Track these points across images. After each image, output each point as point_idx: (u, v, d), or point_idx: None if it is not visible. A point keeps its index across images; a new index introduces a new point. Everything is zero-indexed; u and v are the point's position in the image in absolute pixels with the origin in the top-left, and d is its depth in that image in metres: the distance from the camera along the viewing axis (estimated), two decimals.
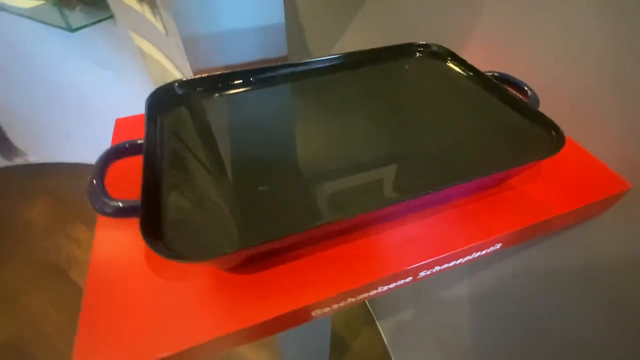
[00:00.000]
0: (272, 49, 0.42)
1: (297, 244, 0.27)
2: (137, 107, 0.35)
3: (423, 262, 0.27)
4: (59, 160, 1.71)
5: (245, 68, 0.37)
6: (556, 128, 0.31)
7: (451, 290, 0.72)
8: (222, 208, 0.26)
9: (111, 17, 0.99)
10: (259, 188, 0.27)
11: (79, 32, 0.93)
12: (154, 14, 0.73)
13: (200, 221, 0.25)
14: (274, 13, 0.39)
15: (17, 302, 1.26)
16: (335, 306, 0.27)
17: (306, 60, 0.40)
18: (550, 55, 0.38)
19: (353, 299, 0.28)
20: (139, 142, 0.29)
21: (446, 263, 0.29)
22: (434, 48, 0.43)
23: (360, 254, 0.27)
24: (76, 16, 0.96)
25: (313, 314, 0.27)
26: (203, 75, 0.35)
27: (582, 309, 0.42)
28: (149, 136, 0.29)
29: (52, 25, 0.92)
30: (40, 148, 1.64)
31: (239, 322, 0.24)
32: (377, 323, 1.21)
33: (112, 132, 0.38)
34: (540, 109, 0.35)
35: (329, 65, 0.41)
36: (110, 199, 0.25)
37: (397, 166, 0.31)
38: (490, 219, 0.30)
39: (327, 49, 0.78)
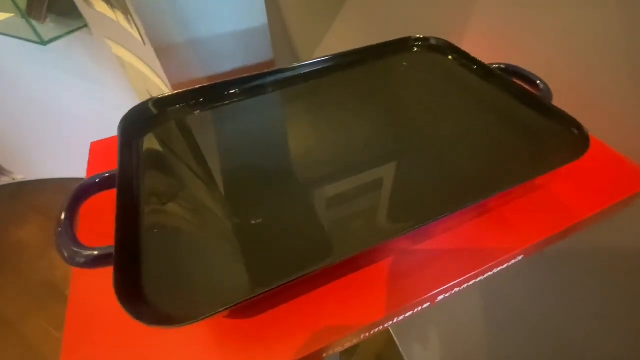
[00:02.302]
0: (257, 54, 0.39)
1: (304, 281, 0.24)
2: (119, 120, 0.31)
3: (449, 285, 0.24)
4: (45, 177, 1.66)
5: (229, 78, 0.34)
6: (578, 126, 0.28)
7: None
8: (210, 248, 0.23)
9: (85, 26, 0.94)
10: (252, 222, 0.23)
11: (53, 43, 0.88)
12: (129, 22, 0.69)
13: (187, 267, 0.22)
14: (255, 14, 0.35)
15: (15, 325, 1.23)
16: (347, 344, 0.25)
17: (298, 64, 0.36)
18: (559, 42, 0.35)
19: (374, 330, 0.25)
20: (108, 174, 0.26)
21: (474, 280, 0.26)
22: (433, 41, 0.40)
23: (378, 279, 0.24)
24: (48, 28, 0.90)
25: (325, 355, 0.24)
26: (180, 91, 0.31)
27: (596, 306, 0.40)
28: (123, 167, 0.25)
29: (23, 39, 0.87)
30: (26, 165, 1.59)
31: None
32: None
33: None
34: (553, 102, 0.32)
35: (322, 68, 0.38)
36: (82, 247, 0.22)
37: (410, 180, 0.28)
38: (515, 228, 0.27)
39: (315, 50, 0.74)
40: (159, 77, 0.79)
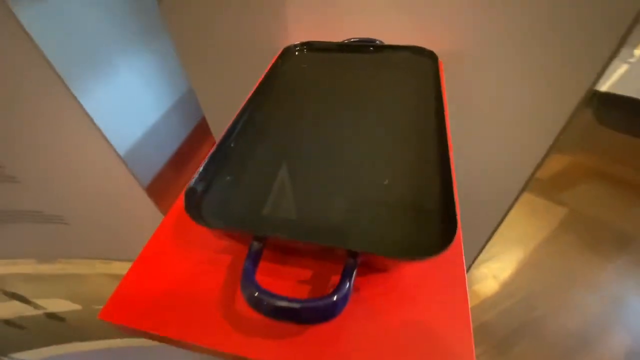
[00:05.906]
0: (190, 119, 0.34)
1: None
2: None
3: None
4: None
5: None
6: (428, 52, 0.46)
7: None
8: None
9: None
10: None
11: None
12: None
13: None
14: (179, 83, 0.30)
15: None
16: None
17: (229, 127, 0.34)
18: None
19: None
20: None
21: None
22: (313, 45, 0.48)
23: None
24: None
25: None
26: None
27: None
28: None
29: None
30: None
31: None
32: None
33: None
34: None
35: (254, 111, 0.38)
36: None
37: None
38: None
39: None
40: None
